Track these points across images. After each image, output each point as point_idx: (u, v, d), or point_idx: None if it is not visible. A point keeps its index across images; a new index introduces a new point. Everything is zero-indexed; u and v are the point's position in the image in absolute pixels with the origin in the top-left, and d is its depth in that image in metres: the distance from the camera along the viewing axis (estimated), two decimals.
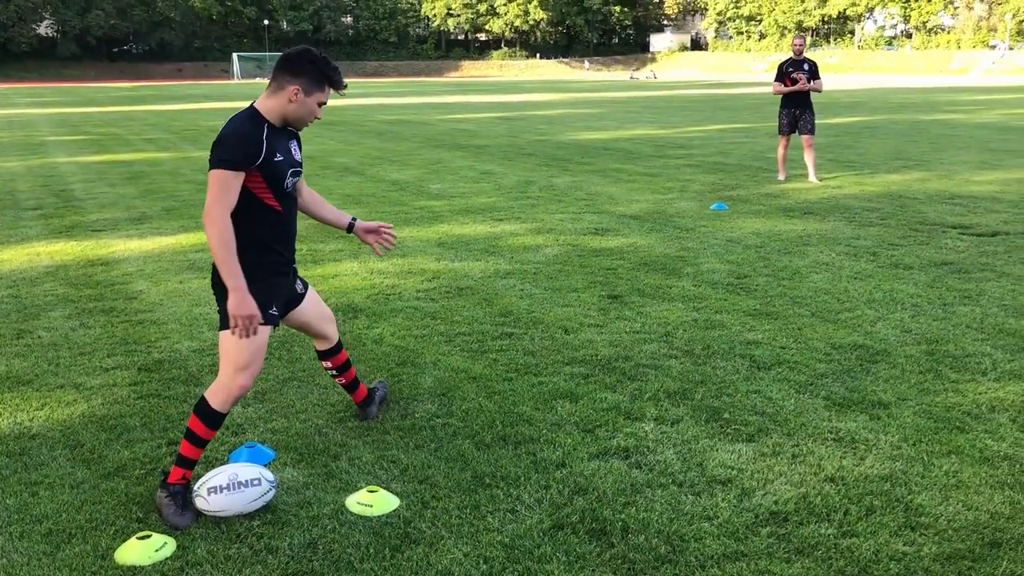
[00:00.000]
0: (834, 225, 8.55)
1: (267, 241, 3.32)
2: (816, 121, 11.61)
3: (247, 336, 3.17)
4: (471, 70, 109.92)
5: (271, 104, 3.29)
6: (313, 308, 3.73)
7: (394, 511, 3.25)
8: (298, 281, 3.63)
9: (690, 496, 3.33)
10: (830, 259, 7.11)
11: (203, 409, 3.28)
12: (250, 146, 3.17)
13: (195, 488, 3.23)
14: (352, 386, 4.01)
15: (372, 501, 3.28)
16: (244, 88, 57.73)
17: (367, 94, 45.97)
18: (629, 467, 3.57)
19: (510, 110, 29.16)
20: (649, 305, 5.85)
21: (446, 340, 5.20)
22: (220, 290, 3.26)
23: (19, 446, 3.84)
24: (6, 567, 2.92)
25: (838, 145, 16.16)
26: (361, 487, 3.41)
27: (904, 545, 2.98)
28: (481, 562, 2.92)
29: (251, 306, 3.15)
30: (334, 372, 3.96)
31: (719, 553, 2.95)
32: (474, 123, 23.33)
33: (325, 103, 3.36)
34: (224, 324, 3.25)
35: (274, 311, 3.36)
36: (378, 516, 3.21)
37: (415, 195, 10.94)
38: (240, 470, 3.23)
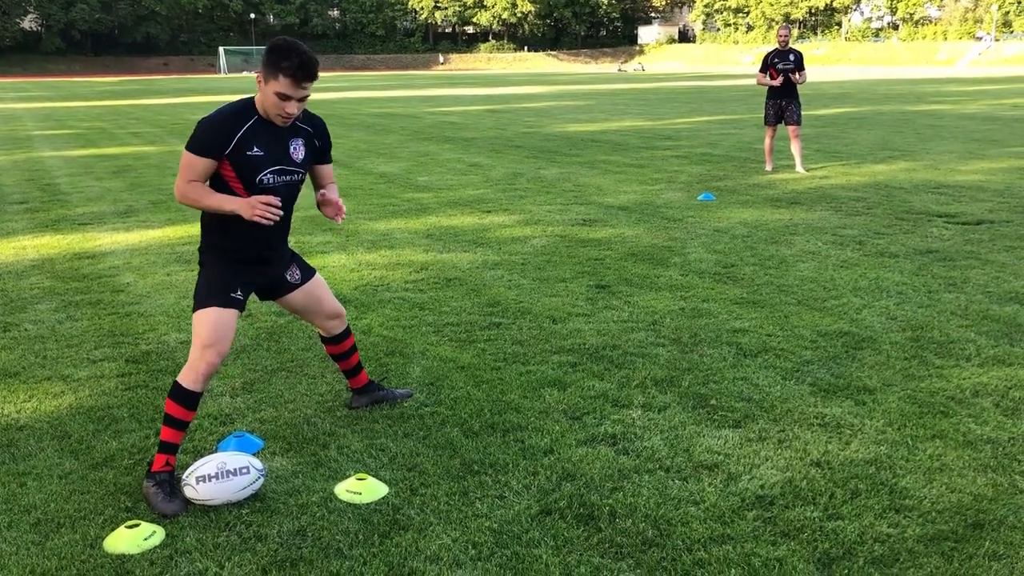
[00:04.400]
0: (821, 215, 8.59)
1: (230, 227, 3.35)
2: (802, 112, 11.65)
3: (274, 214, 3.23)
4: (459, 63, 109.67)
5: (258, 95, 3.32)
6: (304, 301, 3.73)
7: (383, 498, 3.26)
8: (291, 270, 3.65)
9: (677, 481, 3.35)
10: (816, 248, 7.15)
11: (176, 391, 3.32)
12: (217, 136, 3.24)
13: (184, 477, 3.24)
14: (352, 372, 4.02)
15: (361, 489, 3.29)
16: (230, 82, 57.47)
17: (355, 87, 45.82)
18: (616, 453, 3.59)
19: (498, 103, 29.13)
20: (637, 295, 5.88)
21: (434, 330, 5.21)
22: (201, 270, 3.46)
23: (7, 437, 3.83)
24: None
25: (824, 136, 16.21)
26: (350, 475, 3.42)
27: (889, 527, 3.01)
28: (470, 547, 2.94)
29: (247, 201, 3.22)
30: (334, 357, 3.99)
31: (705, 536, 2.97)
32: (461, 116, 23.30)
33: (288, 96, 3.21)
34: (195, 305, 3.37)
35: (237, 295, 3.40)
36: (367, 503, 3.22)
37: (403, 187, 10.93)
38: (229, 459, 3.24)
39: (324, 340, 3.95)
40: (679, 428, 3.81)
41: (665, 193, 10.07)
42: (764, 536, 2.98)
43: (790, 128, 11.33)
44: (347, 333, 3.94)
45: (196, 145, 3.25)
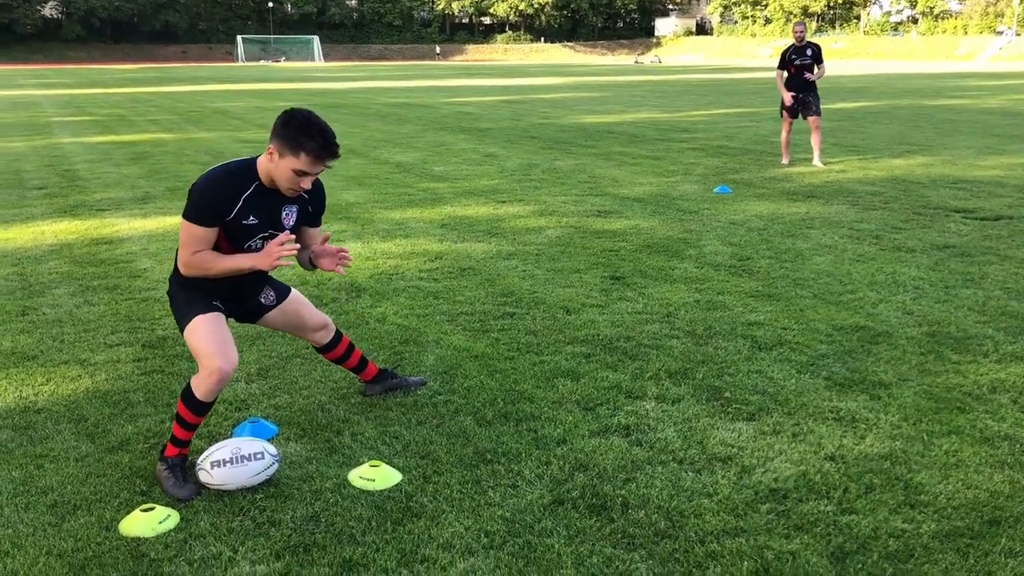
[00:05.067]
0: (837, 208, 8.53)
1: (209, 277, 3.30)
2: (821, 104, 11.55)
3: (292, 250, 3.18)
4: (474, 54, 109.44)
5: (263, 160, 3.19)
6: (283, 320, 3.70)
7: (396, 485, 3.27)
8: (265, 292, 3.59)
9: (690, 473, 3.35)
10: (833, 242, 7.11)
11: (189, 397, 3.26)
12: (219, 205, 3.14)
13: (198, 461, 3.26)
14: (358, 368, 4.02)
15: (374, 475, 3.30)
16: (248, 71, 57.61)
17: (371, 77, 45.84)
18: (630, 444, 3.59)
19: (514, 93, 29.07)
20: (651, 286, 5.86)
21: (448, 319, 5.21)
22: (172, 299, 3.40)
23: (24, 420, 3.87)
24: (12, 537, 2.95)
25: (841, 130, 16.09)
26: (363, 462, 3.43)
27: (903, 522, 3.00)
28: (482, 535, 2.94)
29: (264, 251, 3.17)
30: (334, 362, 4.00)
31: (718, 529, 2.97)
32: (477, 106, 23.27)
33: (307, 173, 3.08)
34: (181, 325, 3.32)
35: (217, 304, 3.35)
36: (380, 490, 3.24)
37: (418, 177, 10.93)
38: (243, 444, 3.25)
39: (318, 350, 3.94)
40: (693, 420, 3.80)
41: (681, 185, 10.03)
42: (777, 529, 2.97)
43: (810, 119, 11.23)
44: (338, 338, 3.91)
45: (198, 216, 3.12)
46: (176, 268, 3.37)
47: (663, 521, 3.02)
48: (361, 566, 2.78)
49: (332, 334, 3.88)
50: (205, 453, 3.27)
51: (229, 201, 3.15)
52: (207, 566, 2.79)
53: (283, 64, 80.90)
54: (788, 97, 11.15)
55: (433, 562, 2.80)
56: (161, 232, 7.73)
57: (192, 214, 3.14)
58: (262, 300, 3.58)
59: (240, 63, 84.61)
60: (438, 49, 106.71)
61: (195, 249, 3.17)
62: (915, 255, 6.65)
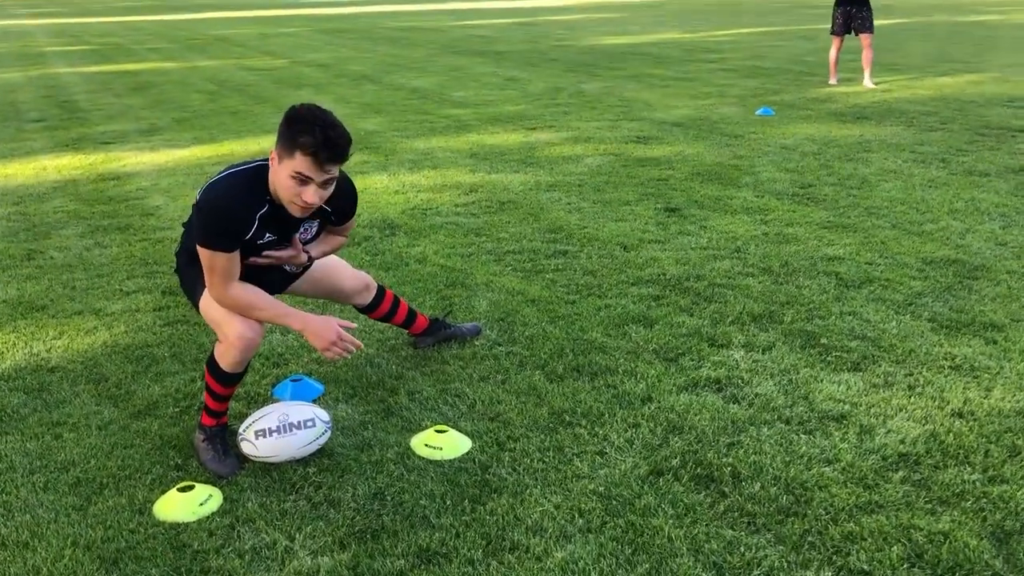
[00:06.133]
0: (892, 130, 7.96)
1: None
2: (880, 20, 10.79)
3: (353, 349, 2.76)
4: None
5: (271, 175, 2.64)
6: (313, 288, 3.24)
7: (467, 454, 2.85)
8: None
9: (802, 435, 2.92)
10: (897, 166, 6.57)
11: (215, 369, 2.81)
12: (237, 225, 2.62)
13: (240, 431, 2.83)
14: (407, 323, 3.56)
15: (441, 443, 2.88)
16: None
17: (374, 2, 44.43)
18: (725, 401, 3.15)
19: (525, 15, 27.98)
20: (711, 218, 5.37)
21: (495, 259, 4.74)
22: (180, 273, 2.94)
23: (37, 380, 3.44)
24: (31, 525, 2.55)
25: (877, 48, 15.26)
26: (427, 426, 3.01)
27: None
28: (576, 515, 2.53)
29: (327, 325, 2.72)
30: (380, 320, 3.54)
31: (851, 504, 2.55)
32: (490, 29, 22.34)
33: (307, 179, 2.52)
34: (194, 298, 2.88)
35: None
36: (450, 460, 2.82)
37: (438, 103, 10.32)
38: (291, 409, 2.82)
39: (360, 311, 3.47)
40: (791, 371, 3.36)
41: (720, 108, 9.42)
42: (919, 504, 2.54)
43: (862, 36, 10.52)
44: (381, 295, 3.42)
45: (220, 241, 2.60)
46: (183, 240, 2.89)
47: (784, 495, 2.59)
48: (441, 556, 2.37)
49: (374, 292, 3.41)
50: (248, 421, 2.84)
51: (243, 222, 2.62)
52: (261, 558, 2.39)
53: None
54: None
55: (525, 550, 2.39)
56: (172, 166, 7.22)
57: (207, 240, 2.62)
58: (286, 268, 3.02)
59: None
60: None
61: (228, 279, 2.66)
62: (990, 179, 6.12)
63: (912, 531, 2.42)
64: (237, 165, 2.74)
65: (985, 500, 2.54)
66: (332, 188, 2.65)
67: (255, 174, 2.67)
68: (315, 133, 2.48)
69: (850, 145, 7.35)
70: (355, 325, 2.93)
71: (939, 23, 20.99)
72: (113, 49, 18.79)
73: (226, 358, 2.77)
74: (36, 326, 3.98)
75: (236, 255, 2.66)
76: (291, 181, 2.53)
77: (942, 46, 15.48)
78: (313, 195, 2.56)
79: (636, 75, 12.40)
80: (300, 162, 2.50)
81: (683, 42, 17.51)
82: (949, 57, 13.76)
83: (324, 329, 2.73)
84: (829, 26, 10.90)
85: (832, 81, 10.89)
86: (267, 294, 2.77)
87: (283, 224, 2.73)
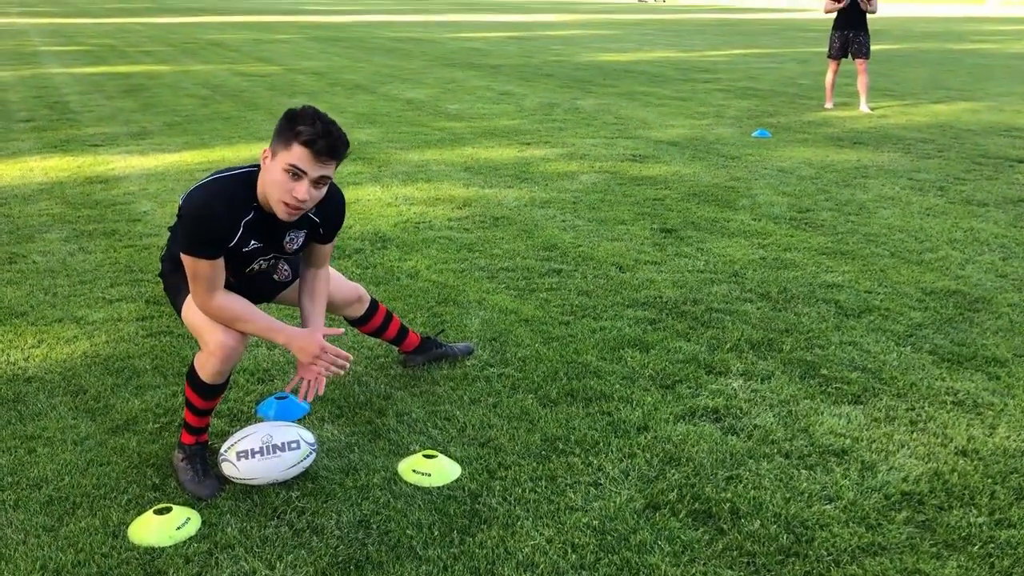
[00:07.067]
0: (890, 156, 7.93)
1: None
2: (872, 45, 10.80)
3: (339, 368, 2.66)
4: None
5: (261, 177, 2.55)
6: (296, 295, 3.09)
7: (456, 481, 2.75)
8: (279, 269, 2.93)
9: (802, 470, 2.83)
10: (895, 193, 6.53)
11: (194, 380, 2.71)
12: (222, 230, 2.52)
13: (222, 451, 2.72)
14: (398, 340, 3.47)
15: (430, 469, 2.78)
16: (243, 2, 55.87)
17: (369, 11, 44.45)
18: (723, 432, 3.07)
19: (520, 30, 28.00)
20: (708, 240, 5.30)
21: (488, 276, 4.66)
22: (164, 279, 2.83)
23: (12, 391, 3.32)
24: None
25: (871, 72, 15.32)
26: (415, 450, 2.91)
27: None
28: (569, 550, 2.43)
29: (312, 340, 2.63)
30: (370, 335, 3.44)
31: (852, 545, 2.46)
32: (484, 42, 22.33)
33: (301, 172, 2.42)
34: (178, 305, 2.77)
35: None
36: (438, 487, 2.72)
37: (433, 115, 10.25)
38: (275, 431, 2.72)
39: (351, 323, 3.37)
40: (790, 402, 3.28)
41: (715, 128, 9.38)
42: (923, 547, 2.46)
43: (858, 62, 10.53)
44: (373, 310, 3.33)
45: (203, 249, 2.50)
46: (169, 245, 2.79)
47: (784, 534, 2.51)
48: None
49: (367, 305, 3.31)
50: (230, 441, 2.73)
51: (227, 229, 2.52)
52: None
53: None
54: (843, 2, 10.34)
55: None
56: (161, 170, 7.10)
57: (189, 247, 2.52)
58: (275, 278, 2.94)
59: None
60: None
61: (211, 288, 2.56)
62: (988, 209, 6.09)
63: None
64: (224, 171, 2.64)
65: (992, 545, 2.46)
66: (324, 191, 2.55)
67: (242, 180, 2.57)
68: (315, 125, 2.42)
69: (847, 170, 7.31)
70: (341, 331, 2.85)
71: (931, 50, 21.11)
72: (107, 51, 18.66)
73: (206, 368, 2.67)
74: (15, 333, 3.86)
75: (220, 262, 2.56)
76: (284, 176, 2.44)
77: (936, 73, 15.54)
78: (305, 192, 2.46)
79: (631, 93, 12.37)
80: (297, 153, 2.42)
81: (677, 61, 17.53)
82: (944, 84, 13.80)
83: (308, 343, 2.65)
84: (821, 49, 10.92)
85: (828, 105, 10.89)
86: (253, 306, 2.67)
87: (269, 232, 2.63)
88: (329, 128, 2.43)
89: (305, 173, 2.44)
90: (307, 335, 2.67)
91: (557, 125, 9.55)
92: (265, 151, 2.51)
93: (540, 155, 7.90)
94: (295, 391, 3.18)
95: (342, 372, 2.69)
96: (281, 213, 2.51)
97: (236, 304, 2.61)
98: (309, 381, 2.74)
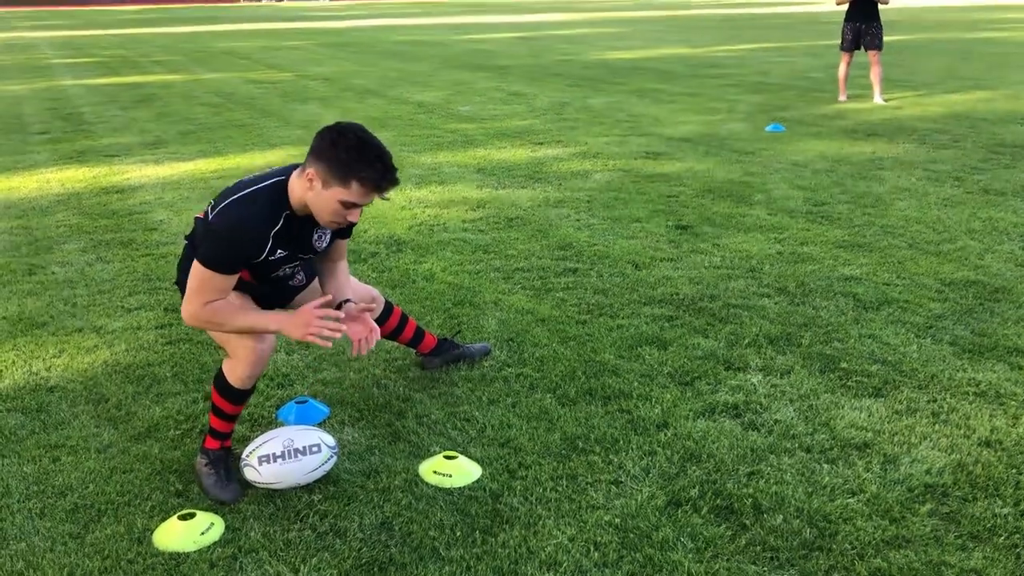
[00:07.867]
0: (905, 147, 7.88)
1: None
2: (884, 36, 10.73)
3: (336, 333, 2.53)
4: None
5: (296, 185, 2.54)
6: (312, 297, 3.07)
7: (477, 482, 2.76)
8: (295, 274, 2.93)
9: (824, 465, 2.82)
10: (911, 184, 6.49)
11: (223, 386, 2.73)
12: (248, 248, 2.52)
13: (244, 456, 2.74)
14: (414, 342, 3.47)
15: (451, 470, 2.78)
16: (252, 10, 56.20)
17: (376, 15, 44.57)
18: (744, 428, 3.06)
19: (527, 30, 28.01)
20: (724, 236, 5.28)
21: (504, 277, 4.66)
22: (181, 287, 2.74)
23: (36, 401, 3.35)
24: (26, 554, 2.45)
25: (884, 63, 15.23)
26: (435, 452, 2.91)
27: None
28: (591, 548, 2.43)
29: (300, 313, 2.53)
30: (386, 338, 3.40)
31: (876, 538, 2.45)
32: (492, 43, 22.35)
33: (356, 205, 2.47)
34: None
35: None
36: (459, 488, 2.72)
37: (444, 117, 10.27)
38: (296, 435, 2.73)
39: None
40: (811, 397, 3.26)
41: (728, 124, 9.35)
42: (948, 539, 2.44)
43: (870, 53, 10.46)
44: (388, 311, 3.33)
45: (221, 263, 2.49)
46: (186, 252, 2.79)
47: (807, 528, 2.50)
48: None
49: (381, 307, 3.31)
50: (252, 445, 2.74)
51: (257, 245, 2.52)
52: None
53: (286, 3, 79.17)
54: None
55: None
56: (176, 179, 7.15)
57: (212, 261, 2.50)
58: (290, 283, 2.96)
59: (244, 2, 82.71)
60: None
61: (207, 299, 2.52)
62: (1007, 199, 6.04)
63: (943, 568, 2.32)
64: (250, 183, 2.62)
65: (1018, 536, 2.44)
66: None
67: (270, 193, 2.56)
68: (375, 166, 2.43)
69: (862, 162, 7.27)
70: (330, 297, 2.68)
71: (945, 39, 20.96)
72: (119, 61, 18.80)
73: (235, 373, 2.69)
74: (36, 344, 3.89)
75: (233, 280, 2.56)
76: (339, 206, 2.47)
77: (950, 63, 15.42)
78: (358, 216, 2.55)
79: (642, 90, 12.35)
80: (356, 192, 2.44)
81: (686, 57, 17.48)
82: (958, 74, 13.70)
83: (298, 322, 2.53)
84: (831, 42, 10.86)
85: (842, 98, 10.82)
86: (236, 304, 2.62)
87: (297, 235, 2.65)
88: (387, 164, 2.45)
89: (360, 205, 2.49)
90: (295, 312, 2.59)
91: (569, 124, 9.55)
92: (309, 171, 2.46)
93: (553, 154, 7.90)
94: (315, 395, 3.18)
95: (338, 335, 2.55)
96: (328, 226, 2.58)
97: (224, 308, 2.56)
98: (359, 341, 2.73)
